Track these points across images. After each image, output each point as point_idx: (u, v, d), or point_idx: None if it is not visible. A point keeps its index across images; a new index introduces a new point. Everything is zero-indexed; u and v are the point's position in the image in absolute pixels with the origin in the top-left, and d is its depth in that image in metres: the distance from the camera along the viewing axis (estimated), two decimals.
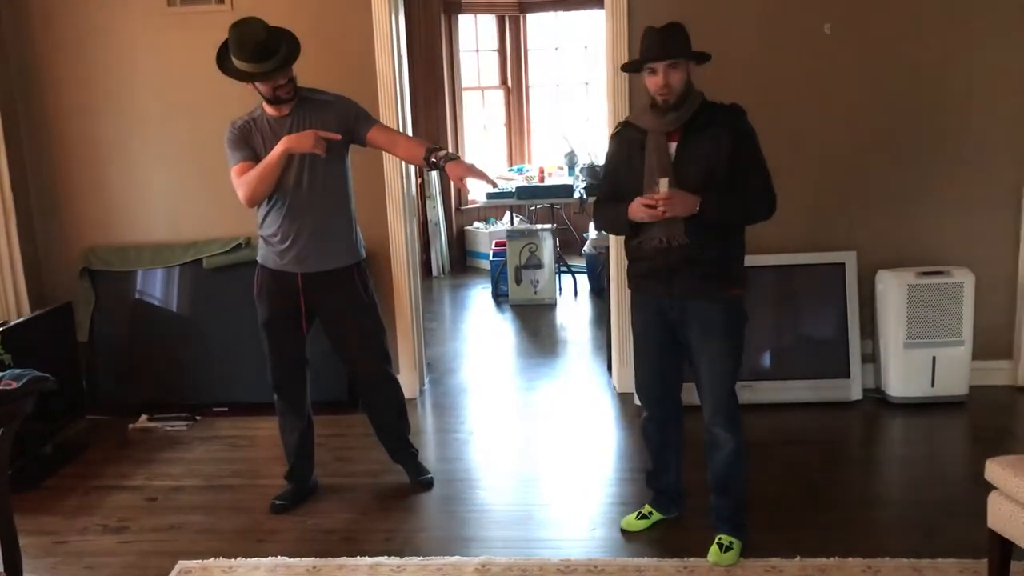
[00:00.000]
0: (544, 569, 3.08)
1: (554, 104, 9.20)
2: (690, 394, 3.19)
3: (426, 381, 5.17)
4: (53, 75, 4.72)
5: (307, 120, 3.34)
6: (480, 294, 7.61)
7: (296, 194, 3.36)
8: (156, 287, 4.86)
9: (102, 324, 4.86)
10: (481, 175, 3.30)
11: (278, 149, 3.25)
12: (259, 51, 3.16)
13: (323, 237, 3.43)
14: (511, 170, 8.87)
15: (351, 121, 3.42)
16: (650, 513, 3.36)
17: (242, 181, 3.32)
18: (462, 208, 8.72)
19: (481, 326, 6.70)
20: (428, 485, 3.79)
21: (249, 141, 3.37)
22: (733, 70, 4.28)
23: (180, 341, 4.81)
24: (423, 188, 7.87)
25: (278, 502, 3.66)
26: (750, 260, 4.14)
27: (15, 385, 2.71)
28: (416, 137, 3.60)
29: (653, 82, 2.87)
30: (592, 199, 3.19)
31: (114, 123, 4.77)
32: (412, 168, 4.90)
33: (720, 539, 3.09)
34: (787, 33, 4.42)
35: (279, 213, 3.39)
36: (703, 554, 3.08)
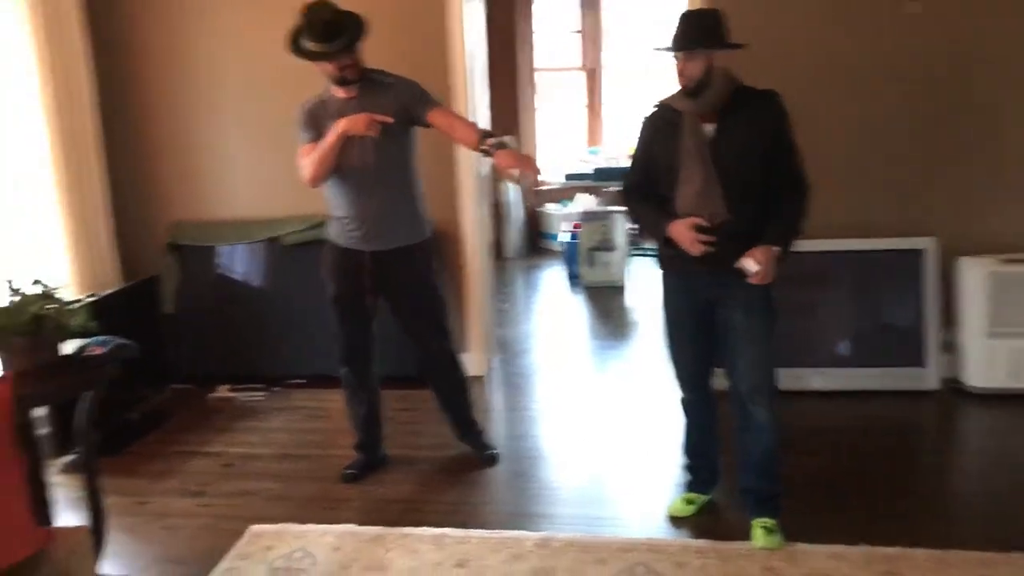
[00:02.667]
0: (605, 547, 3.11)
1: (631, 86, 9.12)
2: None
3: (496, 360, 5.23)
4: (146, 56, 4.91)
5: (371, 102, 3.41)
6: (552, 275, 7.64)
7: (361, 174, 3.44)
8: (237, 262, 5.02)
9: (186, 297, 5.05)
10: (528, 165, 3.34)
11: (334, 132, 3.35)
12: (326, 32, 3.24)
13: (388, 216, 3.51)
14: (589, 152, 8.86)
15: (412, 102, 3.46)
16: (695, 498, 3.37)
17: (305, 162, 3.43)
18: (537, 189, 8.74)
19: (553, 307, 6.73)
20: (493, 461, 3.85)
21: (317, 123, 3.46)
22: (805, 49, 4.20)
23: (259, 315, 4.97)
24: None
25: (348, 471, 3.77)
26: (825, 245, 4.06)
27: (101, 351, 2.85)
28: (474, 123, 3.63)
29: (676, 68, 2.91)
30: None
31: (202, 103, 4.94)
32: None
33: (765, 523, 3.08)
34: (863, 10, 4.30)
35: (345, 193, 3.48)
36: (745, 537, 3.09)
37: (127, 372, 4.11)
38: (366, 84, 3.44)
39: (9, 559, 2.16)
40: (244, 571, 3.07)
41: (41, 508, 2.77)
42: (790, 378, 4.31)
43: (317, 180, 3.45)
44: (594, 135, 9.07)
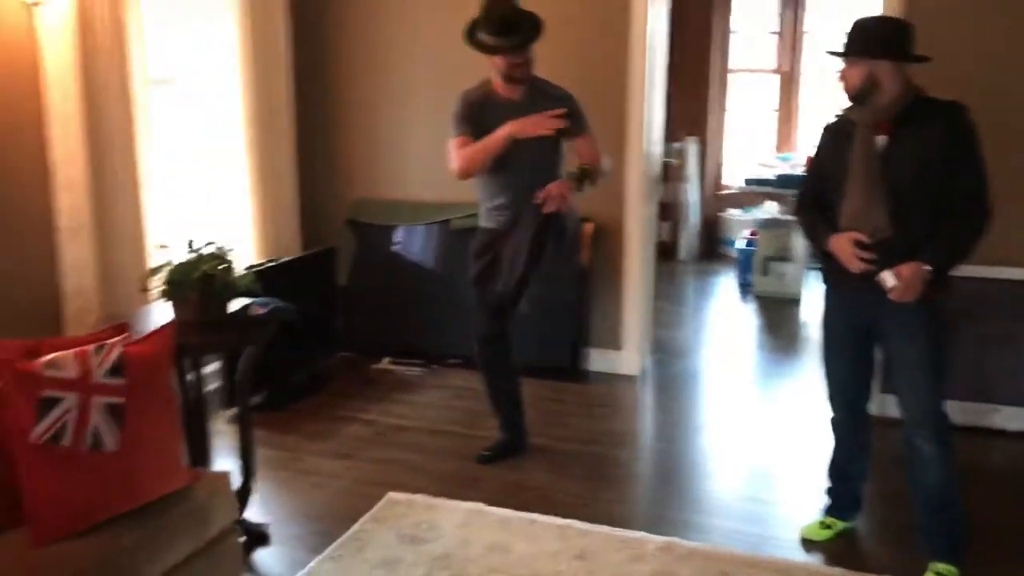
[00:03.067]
0: (730, 560, 3.03)
1: (830, 91, 8.72)
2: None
3: (651, 361, 5.17)
4: (342, 41, 5.18)
5: (542, 109, 3.47)
6: (725, 282, 7.45)
7: (517, 171, 3.51)
8: (411, 242, 5.22)
9: (360, 271, 5.31)
10: (552, 202, 3.45)
11: (502, 133, 3.42)
12: (503, 26, 3.32)
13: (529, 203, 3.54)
14: (778, 158, 8.56)
15: (573, 120, 3.54)
16: (833, 523, 3.21)
17: (459, 155, 3.53)
18: (719, 193, 8.54)
19: (720, 314, 6.57)
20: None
21: (478, 117, 3.54)
22: (1001, 62, 3.89)
23: (426, 294, 5.15)
24: (677, 170, 7.82)
25: (485, 453, 3.86)
26: (987, 272, 3.82)
27: (262, 311, 3.06)
28: (597, 154, 3.65)
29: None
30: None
31: (390, 89, 5.16)
32: (656, 148, 4.91)
33: (938, 568, 2.87)
34: None
35: (499, 187, 3.57)
36: (897, 571, 2.90)
37: (298, 337, 4.42)
38: (535, 90, 3.51)
39: (155, 492, 2.36)
40: (374, 534, 3.21)
41: (197, 450, 3.02)
42: (977, 414, 4.05)
43: (469, 174, 3.55)
44: (785, 141, 8.74)
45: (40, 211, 3.53)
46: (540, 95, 3.52)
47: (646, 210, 4.81)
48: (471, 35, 3.45)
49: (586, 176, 3.58)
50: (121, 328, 2.50)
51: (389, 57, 5.14)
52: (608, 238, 4.78)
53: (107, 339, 2.38)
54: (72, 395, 2.21)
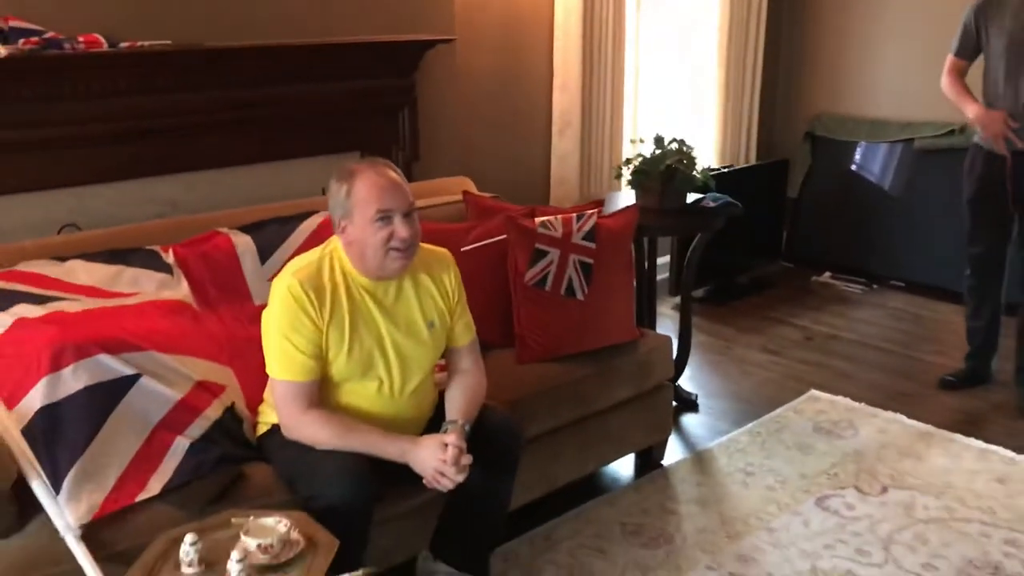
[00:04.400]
0: None
1: None
2: None
3: None
4: None
5: None
6: None
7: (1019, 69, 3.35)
8: (867, 160, 5.20)
9: (813, 185, 5.42)
10: None
11: (973, 111, 3.43)
12: None
13: None
14: None
15: None
16: None
17: (946, 82, 3.54)
18: None
19: None
20: None
21: (982, 20, 3.43)
22: None
23: (877, 213, 5.12)
24: None
25: (948, 377, 3.82)
26: None
27: (713, 205, 3.41)
28: None
29: None
30: None
31: (860, 2, 5.12)
32: None
33: None
34: None
35: (1006, 87, 3.40)
36: None
37: (745, 241, 4.75)
38: None
39: (610, 339, 2.88)
40: (792, 421, 3.48)
41: (645, 314, 3.50)
42: None
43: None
44: None
45: (542, 109, 4.23)
46: None
47: None
48: None
49: None
50: (596, 204, 3.02)
51: None
52: None
53: (585, 211, 2.91)
54: (556, 250, 2.78)
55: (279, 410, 2.11)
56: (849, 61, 5.25)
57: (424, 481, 2.06)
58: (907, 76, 4.99)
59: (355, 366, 2.11)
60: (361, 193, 2.04)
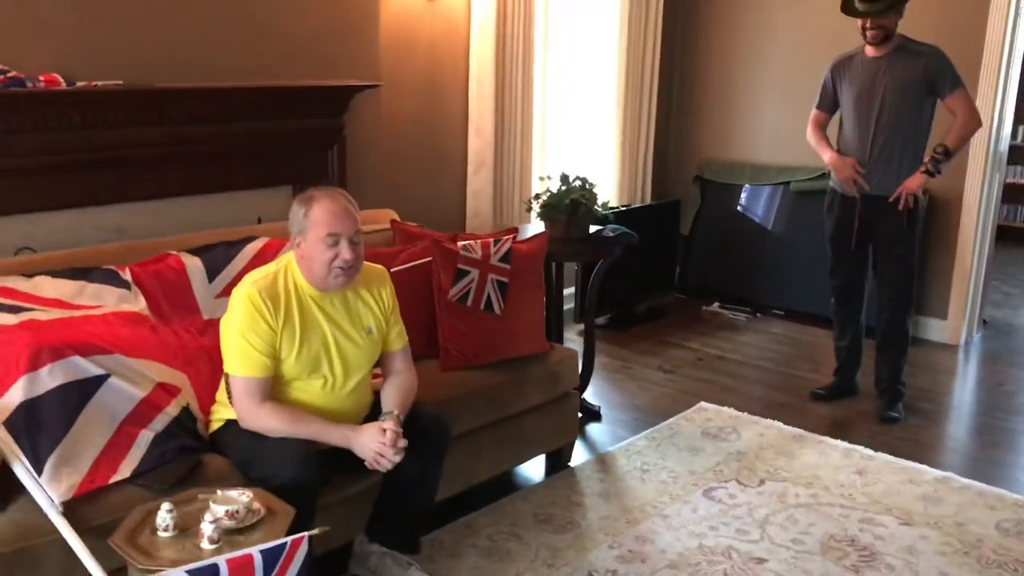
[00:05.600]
0: (1000, 500, 3.30)
1: None
2: None
3: (976, 334, 5.26)
4: (707, 17, 5.81)
5: (899, 66, 3.79)
6: None
7: (874, 126, 3.85)
8: (751, 200, 5.76)
9: (702, 223, 5.95)
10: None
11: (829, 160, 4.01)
12: None
13: (886, 166, 3.87)
14: None
15: (938, 77, 3.76)
16: None
17: (809, 131, 4.10)
18: None
19: None
20: (887, 420, 4.03)
21: (837, 78, 3.97)
22: None
23: (760, 249, 5.67)
24: None
25: (818, 391, 4.31)
26: None
27: (612, 235, 3.83)
28: (976, 123, 3.83)
29: None
30: None
31: (745, 58, 5.71)
32: (1007, 127, 4.96)
33: None
34: None
35: (855, 137, 3.93)
36: None
37: (641, 274, 5.20)
38: (899, 49, 3.82)
39: (523, 350, 3.24)
40: (683, 428, 3.89)
41: (553, 330, 3.87)
42: None
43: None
44: None
45: (459, 149, 4.62)
46: (904, 53, 3.79)
47: (988, 184, 4.91)
48: (847, 5, 3.82)
49: (948, 158, 3.81)
50: (512, 231, 3.40)
51: (749, 33, 5.67)
52: (944, 209, 4.97)
53: (501, 236, 3.29)
54: (476, 270, 3.14)
55: (236, 403, 2.39)
56: (733, 112, 5.83)
57: (366, 463, 2.36)
58: (784, 126, 5.57)
59: (303, 366, 2.42)
60: (316, 215, 2.37)
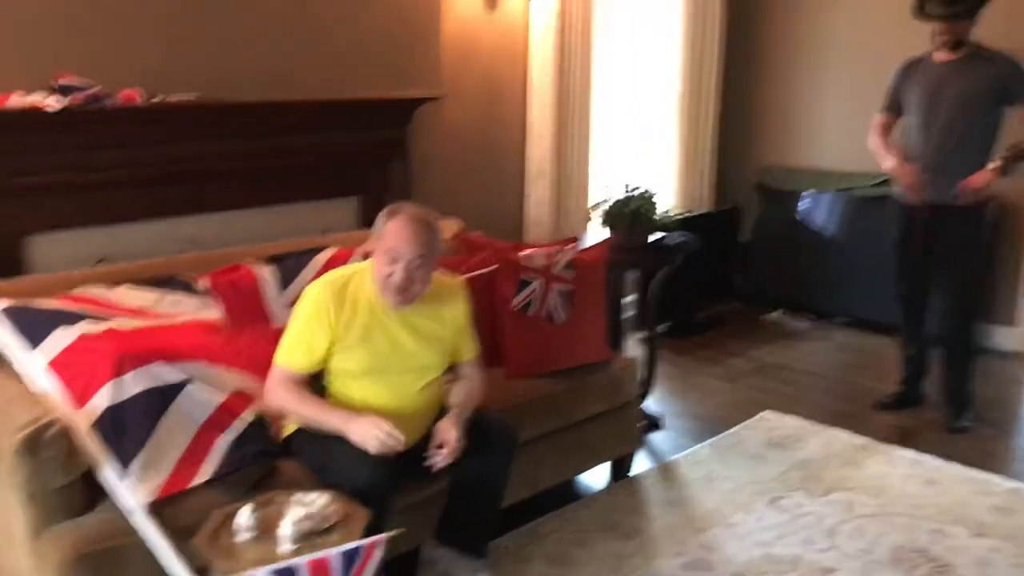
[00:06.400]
0: None
1: None
2: None
3: None
4: (769, 10, 5.78)
5: (966, 72, 3.74)
6: None
7: (940, 132, 3.78)
8: (813, 207, 5.69)
9: (763, 230, 5.90)
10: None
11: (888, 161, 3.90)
12: None
13: (951, 173, 3.77)
14: None
15: (1012, 82, 3.70)
16: None
17: (872, 134, 4.01)
18: None
19: None
20: (955, 431, 3.97)
21: (905, 80, 3.92)
22: None
23: (820, 255, 5.59)
24: None
25: (884, 399, 4.25)
26: None
27: (672, 243, 3.84)
28: None
29: None
30: None
31: (807, 64, 5.67)
32: None
33: None
34: None
35: (920, 142, 3.86)
36: None
37: (701, 283, 5.19)
38: (970, 55, 3.76)
39: (586, 358, 3.26)
40: (747, 437, 3.87)
41: (615, 338, 3.88)
42: None
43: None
44: None
45: (518, 158, 4.67)
46: (976, 58, 3.73)
47: None
48: (920, 8, 3.75)
49: (1019, 159, 3.73)
50: (572, 240, 3.43)
51: (810, 33, 5.63)
52: (1012, 215, 4.87)
53: (563, 246, 3.31)
54: (539, 279, 3.17)
55: (266, 384, 2.47)
56: (794, 118, 5.78)
57: (431, 460, 2.41)
58: (846, 131, 5.51)
59: (368, 365, 2.47)
60: (388, 229, 2.43)
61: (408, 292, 2.45)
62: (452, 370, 2.69)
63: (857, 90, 5.39)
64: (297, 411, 2.45)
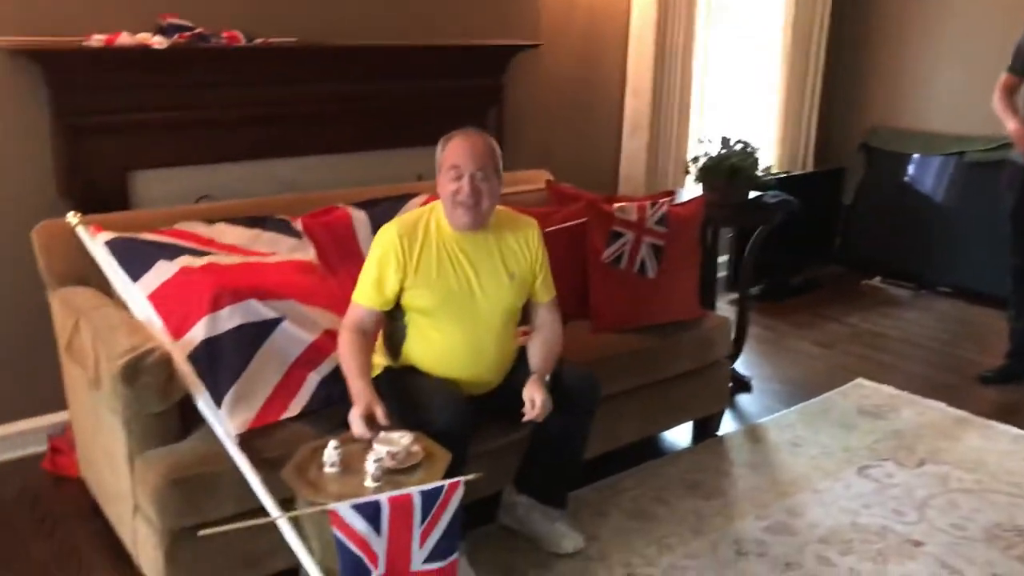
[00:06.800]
0: None
1: None
2: None
3: None
4: None
5: None
6: None
7: None
8: (921, 171, 5.45)
9: (866, 193, 5.69)
10: None
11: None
12: None
13: None
14: None
15: None
16: None
17: (997, 96, 3.77)
18: None
19: None
20: None
21: None
22: None
23: (927, 222, 5.37)
24: None
25: (987, 373, 4.08)
26: None
27: (772, 201, 3.72)
28: None
29: None
30: None
31: (917, 24, 5.39)
32: None
33: None
34: None
35: None
36: None
37: (799, 244, 5.05)
38: None
39: (676, 315, 3.21)
40: (838, 403, 3.77)
41: (706, 296, 3.80)
42: None
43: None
44: None
45: (615, 112, 4.58)
46: None
47: None
48: None
49: None
50: (668, 194, 3.36)
51: None
52: None
53: (658, 199, 3.25)
54: (631, 233, 3.12)
55: (342, 321, 2.46)
56: (904, 77, 5.52)
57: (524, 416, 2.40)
58: (960, 92, 5.24)
59: (441, 301, 2.44)
60: (445, 151, 2.44)
61: (478, 209, 2.42)
62: (527, 313, 2.65)
63: (974, 47, 5.11)
64: (340, 359, 2.41)
